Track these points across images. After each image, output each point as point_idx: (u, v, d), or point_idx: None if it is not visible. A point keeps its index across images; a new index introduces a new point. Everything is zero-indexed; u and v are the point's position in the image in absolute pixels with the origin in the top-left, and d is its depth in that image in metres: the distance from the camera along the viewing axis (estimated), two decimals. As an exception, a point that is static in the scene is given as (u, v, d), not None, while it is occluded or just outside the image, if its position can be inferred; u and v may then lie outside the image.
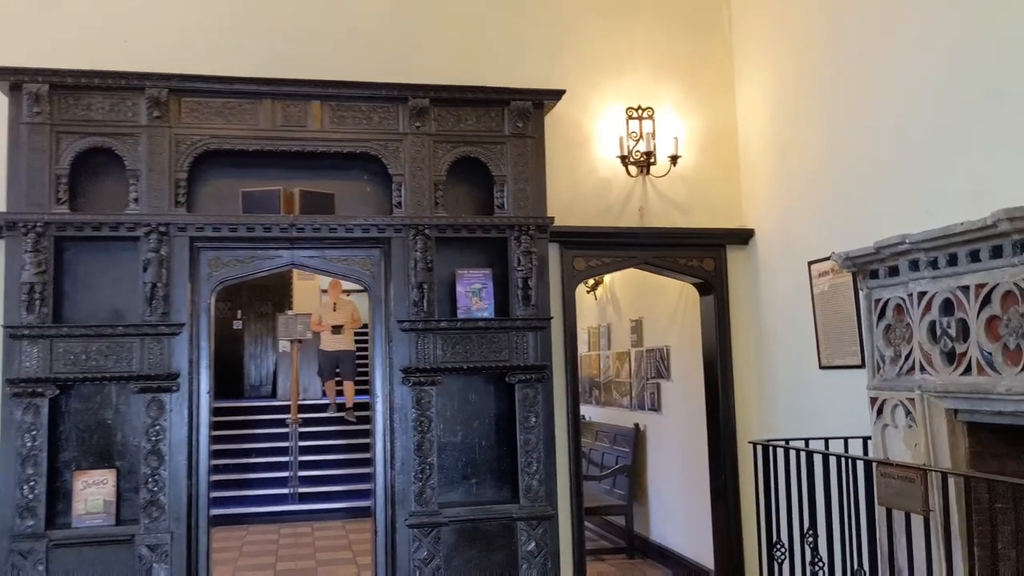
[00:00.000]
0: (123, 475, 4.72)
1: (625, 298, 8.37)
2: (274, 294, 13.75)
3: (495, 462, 5.21)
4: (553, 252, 5.43)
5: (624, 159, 5.62)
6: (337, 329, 11.03)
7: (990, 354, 3.17)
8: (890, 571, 3.61)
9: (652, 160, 5.64)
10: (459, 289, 5.14)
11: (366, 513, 7.02)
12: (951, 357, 3.38)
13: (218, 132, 4.89)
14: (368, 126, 5.07)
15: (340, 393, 11.36)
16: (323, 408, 11.39)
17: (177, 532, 4.62)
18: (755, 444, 4.43)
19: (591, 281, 8.45)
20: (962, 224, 3.17)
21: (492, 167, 5.18)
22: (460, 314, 5.10)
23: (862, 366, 4.27)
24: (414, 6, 5.51)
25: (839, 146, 4.87)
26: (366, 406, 7.37)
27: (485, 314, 5.12)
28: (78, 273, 4.80)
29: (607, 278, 8.53)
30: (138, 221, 4.70)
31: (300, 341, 10.83)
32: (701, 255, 5.78)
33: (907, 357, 3.63)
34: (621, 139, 5.63)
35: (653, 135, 5.65)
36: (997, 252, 3.10)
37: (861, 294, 4.00)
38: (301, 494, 9.90)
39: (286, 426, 10.37)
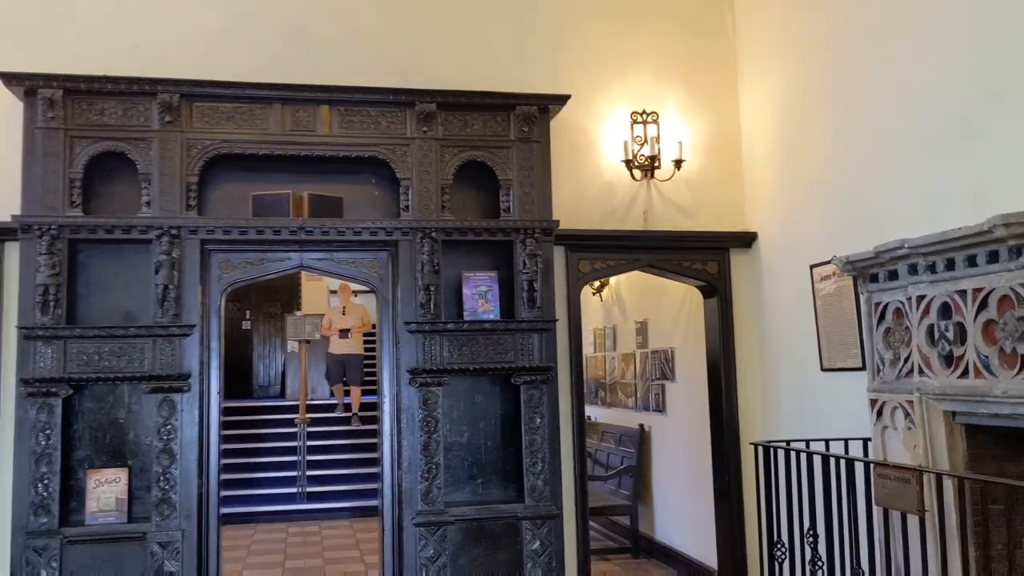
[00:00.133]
0: (135, 473, 4.79)
1: (630, 300, 8.41)
2: (283, 295, 13.78)
3: (501, 462, 5.26)
4: (558, 255, 5.49)
5: (628, 163, 5.67)
6: (345, 333, 11.02)
7: (987, 357, 3.21)
8: (889, 571, 3.65)
9: (656, 164, 5.70)
10: (465, 291, 5.20)
11: (373, 512, 7.08)
12: (949, 360, 3.43)
13: (228, 136, 4.95)
14: (376, 130, 5.13)
15: (348, 394, 11.38)
16: (331, 408, 11.45)
17: (188, 530, 4.69)
18: (756, 445, 4.48)
19: (597, 283, 8.49)
20: (959, 229, 3.22)
21: (498, 171, 5.24)
22: (466, 316, 5.16)
23: (863, 368, 4.31)
24: (420, 12, 5.58)
25: (841, 150, 4.90)
26: (373, 407, 7.42)
27: (491, 316, 5.17)
28: (91, 275, 4.87)
29: (613, 280, 8.57)
30: (150, 224, 4.77)
31: (308, 341, 10.82)
32: (705, 258, 5.83)
33: (906, 360, 3.67)
34: (625, 143, 5.68)
35: (657, 139, 5.70)
36: (994, 257, 3.15)
37: (861, 297, 4.03)
38: (309, 493, 9.93)
39: (294, 426, 10.42)
